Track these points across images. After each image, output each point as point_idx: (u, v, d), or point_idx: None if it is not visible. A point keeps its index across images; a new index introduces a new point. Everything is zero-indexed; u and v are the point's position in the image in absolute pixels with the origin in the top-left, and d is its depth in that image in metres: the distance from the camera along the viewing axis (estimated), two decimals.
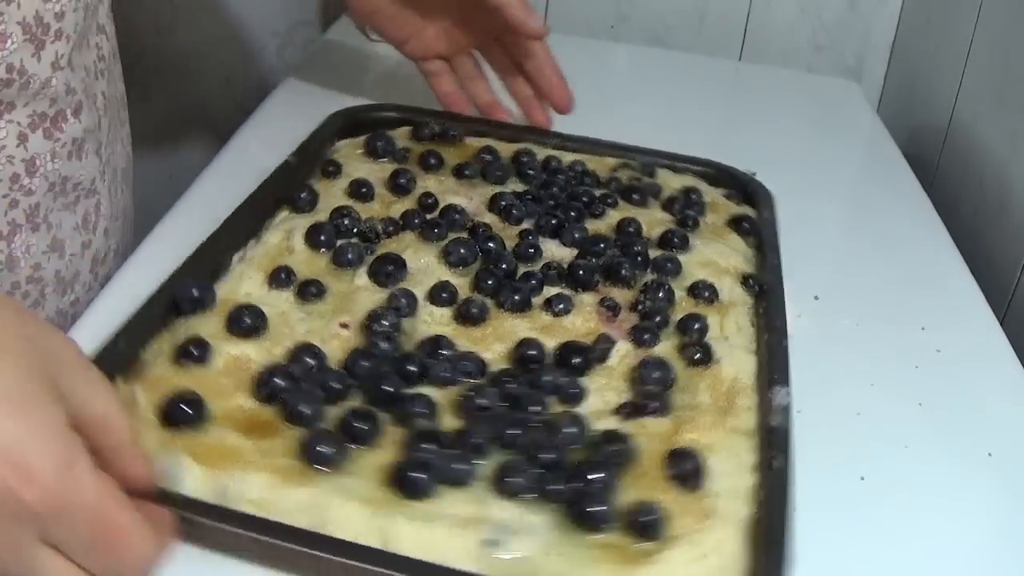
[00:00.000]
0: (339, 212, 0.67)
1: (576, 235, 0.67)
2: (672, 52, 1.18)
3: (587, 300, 0.61)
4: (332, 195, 0.69)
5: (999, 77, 0.91)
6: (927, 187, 0.91)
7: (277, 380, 0.51)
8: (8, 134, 0.59)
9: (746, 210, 0.73)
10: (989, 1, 0.95)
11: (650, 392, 0.54)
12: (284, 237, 0.64)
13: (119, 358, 0.52)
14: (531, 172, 0.74)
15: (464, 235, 0.66)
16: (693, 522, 0.46)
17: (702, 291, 0.62)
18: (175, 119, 1.26)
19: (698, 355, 0.57)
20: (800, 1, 1.18)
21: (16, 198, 0.61)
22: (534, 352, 0.56)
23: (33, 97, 0.60)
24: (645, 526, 0.45)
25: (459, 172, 0.74)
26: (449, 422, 0.51)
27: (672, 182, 0.76)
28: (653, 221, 0.70)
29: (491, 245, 0.65)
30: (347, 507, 0.45)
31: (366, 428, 0.49)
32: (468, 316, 0.59)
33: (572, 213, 0.70)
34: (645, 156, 0.79)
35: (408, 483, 0.46)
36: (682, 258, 0.66)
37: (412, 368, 0.53)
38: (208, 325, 0.55)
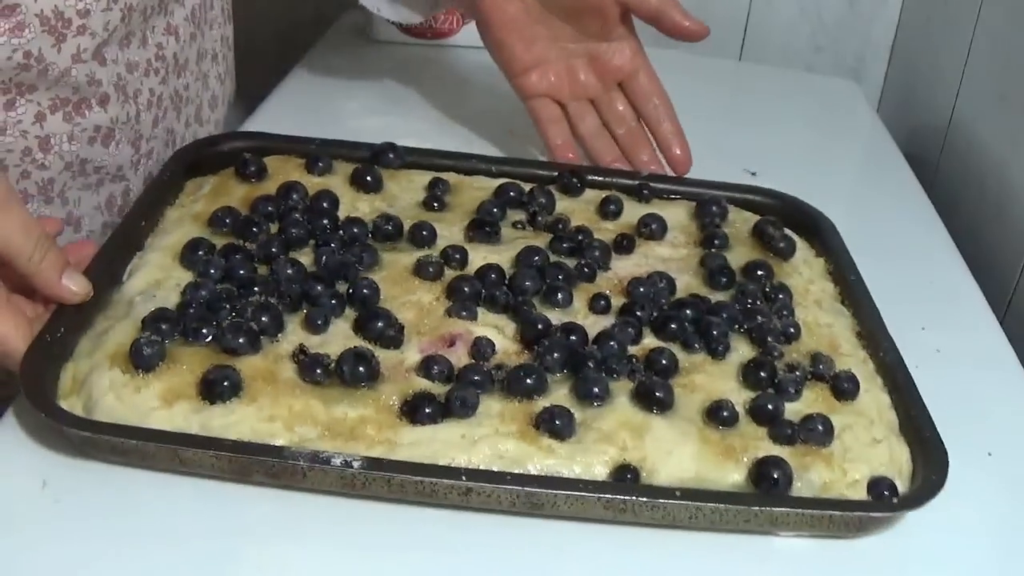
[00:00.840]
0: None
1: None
2: (672, 52, 1.18)
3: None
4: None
5: (999, 77, 0.91)
6: (927, 187, 0.91)
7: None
8: (27, 112, 0.64)
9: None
10: (989, 1, 0.95)
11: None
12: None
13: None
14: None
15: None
16: None
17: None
18: None
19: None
20: (800, 1, 1.18)
21: (28, 170, 0.65)
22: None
23: (55, 83, 0.64)
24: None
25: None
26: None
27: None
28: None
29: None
30: None
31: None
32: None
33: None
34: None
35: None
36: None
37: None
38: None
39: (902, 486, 0.53)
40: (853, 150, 1.01)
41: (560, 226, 0.69)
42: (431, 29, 1.03)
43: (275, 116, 0.88)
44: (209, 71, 0.80)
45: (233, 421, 0.51)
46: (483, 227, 0.67)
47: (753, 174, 0.85)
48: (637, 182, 0.75)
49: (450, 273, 0.63)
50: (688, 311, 0.61)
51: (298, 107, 0.91)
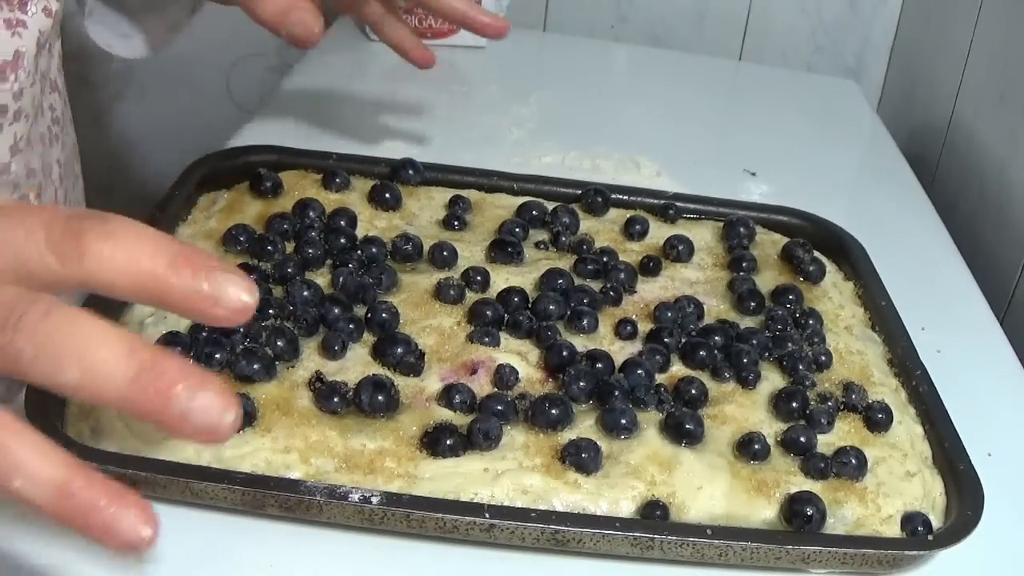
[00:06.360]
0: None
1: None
2: (672, 52, 1.17)
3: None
4: None
5: (999, 77, 0.91)
6: (927, 187, 0.91)
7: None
8: None
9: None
10: (989, 1, 0.95)
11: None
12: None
13: None
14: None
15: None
16: None
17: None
18: (174, 119, 1.26)
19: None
20: (800, 1, 1.17)
21: None
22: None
23: None
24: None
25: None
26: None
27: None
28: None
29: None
30: None
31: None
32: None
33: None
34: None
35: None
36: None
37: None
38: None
39: (936, 520, 0.51)
40: (853, 150, 1.00)
41: (584, 247, 0.66)
42: (431, 29, 1.03)
43: (275, 118, 0.87)
44: (67, 125, 0.69)
45: (247, 452, 0.48)
46: (505, 247, 0.64)
47: (753, 174, 0.85)
48: (663, 202, 0.71)
49: (471, 296, 0.60)
50: (717, 337, 0.58)
51: (298, 108, 0.90)
